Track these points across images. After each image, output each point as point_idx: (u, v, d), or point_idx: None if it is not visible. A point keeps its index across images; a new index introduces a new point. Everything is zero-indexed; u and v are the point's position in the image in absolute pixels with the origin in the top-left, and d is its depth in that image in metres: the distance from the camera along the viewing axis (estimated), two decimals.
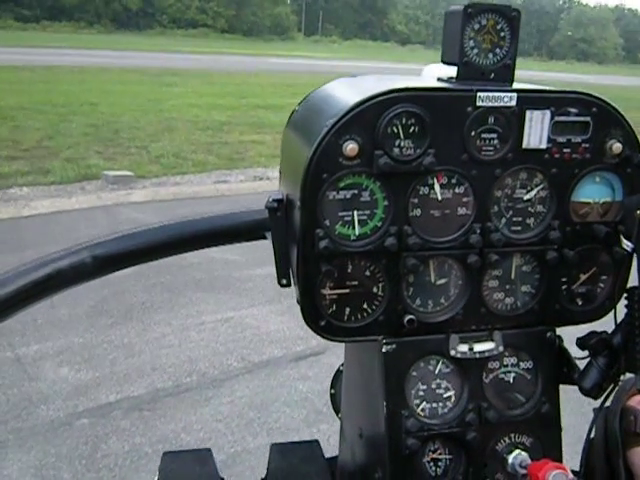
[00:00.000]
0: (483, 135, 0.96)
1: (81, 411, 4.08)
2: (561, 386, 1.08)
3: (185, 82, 22.71)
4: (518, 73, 1.00)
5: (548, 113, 0.96)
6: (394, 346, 1.00)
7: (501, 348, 1.04)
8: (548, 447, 1.06)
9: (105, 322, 5.28)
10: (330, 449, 1.26)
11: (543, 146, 0.97)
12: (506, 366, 1.06)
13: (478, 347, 1.03)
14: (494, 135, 0.96)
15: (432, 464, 1.03)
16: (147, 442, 3.83)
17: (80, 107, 15.45)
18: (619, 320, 1.04)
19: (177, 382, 4.49)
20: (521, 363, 1.06)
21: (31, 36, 45.47)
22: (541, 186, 1.00)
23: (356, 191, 0.94)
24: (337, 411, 1.29)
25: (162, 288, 6.04)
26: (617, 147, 0.99)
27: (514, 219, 1.01)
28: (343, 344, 1.14)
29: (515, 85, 0.98)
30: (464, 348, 1.02)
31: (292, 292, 1.02)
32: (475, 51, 0.97)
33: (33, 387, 4.30)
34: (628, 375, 1.02)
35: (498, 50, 0.97)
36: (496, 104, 0.94)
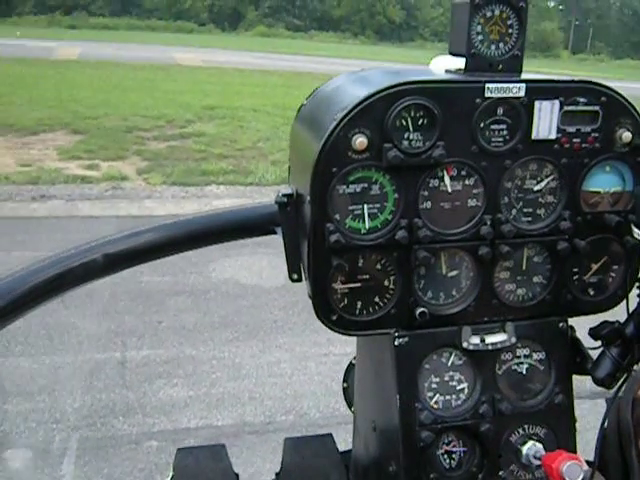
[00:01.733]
0: (492, 126, 0.97)
1: (155, 432, 3.81)
2: None
3: None
4: None
5: (557, 103, 0.97)
6: (406, 339, 1.00)
7: (513, 339, 1.04)
8: (562, 438, 1.07)
9: (226, 337, 5.01)
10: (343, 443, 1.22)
11: (553, 136, 0.98)
12: (519, 357, 1.06)
13: (490, 339, 1.03)
14: (503, 126, 0.97)
15: (446, 456, 1.03)
16: None
17: None
18: (631, 309, 1.06)
19: (269, 419, 4.04)
20: (534, 354, 1.06)
21: (298, 44, 48.45)
22: (551, 176, 1.02)
23: (366, 185, 0.94)
24: (350, 405, 1.28)
25: (303, 307, 5.62)
26: (627, 136, 1.00)
27: (524, 210, 1.02)
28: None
29: (524, 75, 0.99)
30: (476, 340, 1.02)
31: None
32: (483, 42, 0.97)
33: (122, 396, 4.13)
34: None
35: (506, 41, 0.97)
36: (505, 95, 0.95)
